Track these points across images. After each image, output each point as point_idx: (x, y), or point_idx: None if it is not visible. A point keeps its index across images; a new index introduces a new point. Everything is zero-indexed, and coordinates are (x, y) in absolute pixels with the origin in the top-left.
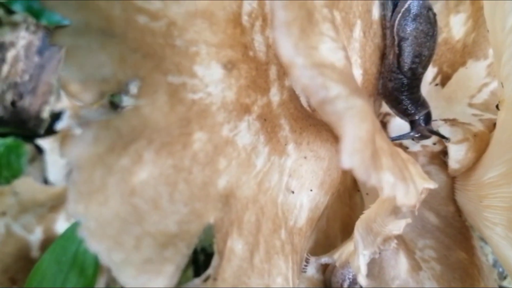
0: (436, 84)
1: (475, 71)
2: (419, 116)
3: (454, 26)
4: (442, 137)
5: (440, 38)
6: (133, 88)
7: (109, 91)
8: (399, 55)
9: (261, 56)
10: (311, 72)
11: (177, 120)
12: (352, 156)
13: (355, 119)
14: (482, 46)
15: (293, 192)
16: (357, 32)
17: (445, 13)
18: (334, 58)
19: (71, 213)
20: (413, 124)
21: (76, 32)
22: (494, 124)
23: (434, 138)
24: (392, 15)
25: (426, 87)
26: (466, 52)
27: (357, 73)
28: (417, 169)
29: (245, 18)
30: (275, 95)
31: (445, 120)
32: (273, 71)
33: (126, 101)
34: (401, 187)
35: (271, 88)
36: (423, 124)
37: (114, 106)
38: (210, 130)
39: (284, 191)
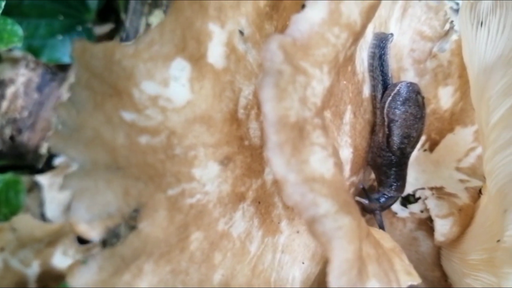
0: (425, 150)
1: (462, 137)
2: (388, 195)
3: (442, 98)
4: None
5: (429, 109)
6: (136, 217)
7: (114, 225)
8: (388, 135)
9: (256, 142)
10: (302, 188)
11: (175, 230)
12: (339, 278)
13: (342, 242)
14: (470, 113)
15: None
16: (348, 116)
17: (434, 85)
18: (324, 169)
19: None
20: (374, 197)
21: (83, 174)
22: (479, 193)
23: (421, 206)
24: (382, 97)
25: (415, 152)
26: (454, 119)
27: (348, 152)
28: (402, 262)
29: (241, 112)
30: (269, 174)
31: (432, 190)
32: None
33: (126, 227)
34: None
35: (265, 168)
36: (378, 203)
37: (117, 235)
38: (207, 228)
39: (277, 268)
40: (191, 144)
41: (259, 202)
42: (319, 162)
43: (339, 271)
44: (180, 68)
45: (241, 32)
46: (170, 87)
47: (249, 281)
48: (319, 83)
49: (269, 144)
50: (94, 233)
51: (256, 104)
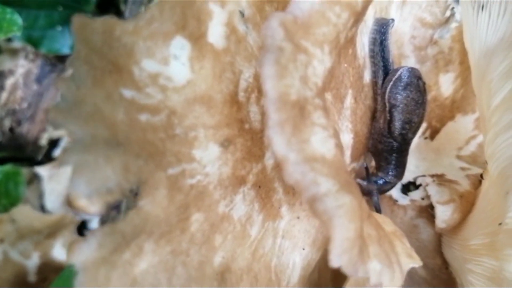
0: (426, 138)
1: (463, 125)
2: (387, 180)
3: (443, 85)
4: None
5: (430, 96)
6: (134, 191)
7: (114, 201)
8: (390, 121)
9: (256, 126)
10: (303, 167)
11: (175, 209)
12: (340, 256)
13: (343, 220)
14: (470, 100)
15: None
16: (348, 100)
17: (435, 71)
18: (324, 149)
19: None
20: (372, 179)
21: (83, 148)
22: (480, 177)
23: (422, 193)
24: (383, 83)
25: (416, 140)
26: (455, 107)
27: (348, 137)
28: (403, 245)
29: (241, 94)
30: (269, 159)
31: (433, 177)
32: (267, 140)
33: (126, 204)
34: (387, 273)
35: (265, 153)
36: (375, 185)
37: (115, 208)
38: (207, 210)
39: (278, 253)
40: (191, 124)
41: (260, 187)
42: (320, 142)
43: (340, 249)
44: (180, 47)
45: (242, 13)
46: (170, 65)
47: (249, 265)
48: (320, 63)
49: (269, 122)
50: (93, 208)
51: (257, 87)
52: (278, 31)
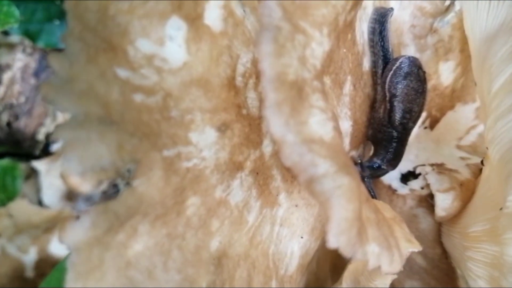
0: (425, 127)
1: (463, 114)
2: (380, 166)
3: (443, 73)
4: None
5: (429, 85)
6: (130, 171)
7: (107, 179)
8: (390, 111)
9: (254, 112)
10: (301, 149)
11: (171, 192)
12: (338, 237)
13: (341, 200)
14: (471, 90)
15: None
16: (347, 87)
17: (435, 60)
18: (323, 131)
19: None
20: (365, 164)
21: (76, 125)
22: (481, 170)
23: (421, 183)
24: (383, 72)
25: (415, 130)
26: (455, 96)
27: (347, 125)
28: (402, 230)
29: (239, 79)
30: (267, 146)
31: (433, 166)
32: (265, 124)
33: (123, 184)
34: (386, 256)
35: (263, 140)
36: (368, 171)
37: (111, 189)
38: (204, 194)
39: (276, 240)
40: (187, 107)
41: (257, 173)
42: (318, 124)
43: (338, 229)
44: (176, 27)
45: None
46: (166, 46)
47: (247, 251)
48: (318, 45)
49: (267, 102)
50: (86, 186)
51: (255, 73)
52: (276, 10)
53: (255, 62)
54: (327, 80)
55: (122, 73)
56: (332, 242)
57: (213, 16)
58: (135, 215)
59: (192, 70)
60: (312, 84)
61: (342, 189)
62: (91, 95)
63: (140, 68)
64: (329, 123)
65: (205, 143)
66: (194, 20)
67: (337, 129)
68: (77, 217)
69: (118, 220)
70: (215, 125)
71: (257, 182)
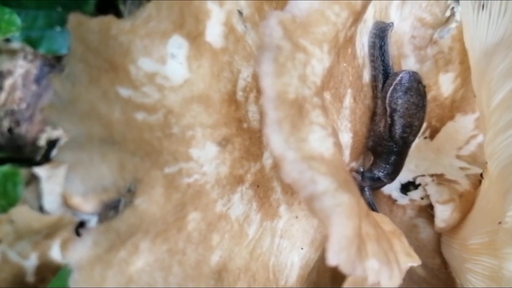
0: (425, 137)
1: (463, 124)
2: (379, 176)
3: (443, 84)
4: None
5: (429, 96)
6: (132, 190)
7: (109, 199)
8: (391, 125)
9: (255, 125)
10: (301, 166)
11: (172, 208)
12: (338, 254)
13: (341, 218)
14: (471, 100)
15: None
16: (348, 100)
17: (435, 71)
18: (323, 148)
19: None
20: (366, 175)
21: (78, 146)
22: (480, 180)
23: (421, 193)
24: (383, 86)
25: (416, 140)
26: (455, 107)
27: (348, 137)
28: (402, 244)
29: (239, 94)
30: (268, 159)
31: (433, 176)
32: (265, 139)
33: (125, 202)
34: (385, 271)
35: (264, 152)
36: (368, 182)
37: (113, 208)
38: (204, 209)
39: (276, 252)
40: (188, 123)
41: (258, 186)
42: (318, 141)
43: (338, 247)
44: (177, 46)
45: (240, 13)
46: (168, 64)
47: (247, 264)
48: (319, 62)
49: (267, 120)
50: (88, 206)
51: (255, 87)
52: (276, 29)
53: (255, 76)
54: (327, 95)
55: (124, 92)
56: (332, 260)
57: (214, 33)
58: (136, 232)
59: (193, 87)
60: (312, 101)
61: (342, 207)
62: (93, 116)
63: (142, 86)
64: (329, 139)
65: (206, 158)
66: (196, 38)
67: (337, 144)
68: (80, 236)
69: (120, 238)
70: (216, 140)
71: (258, 195)
